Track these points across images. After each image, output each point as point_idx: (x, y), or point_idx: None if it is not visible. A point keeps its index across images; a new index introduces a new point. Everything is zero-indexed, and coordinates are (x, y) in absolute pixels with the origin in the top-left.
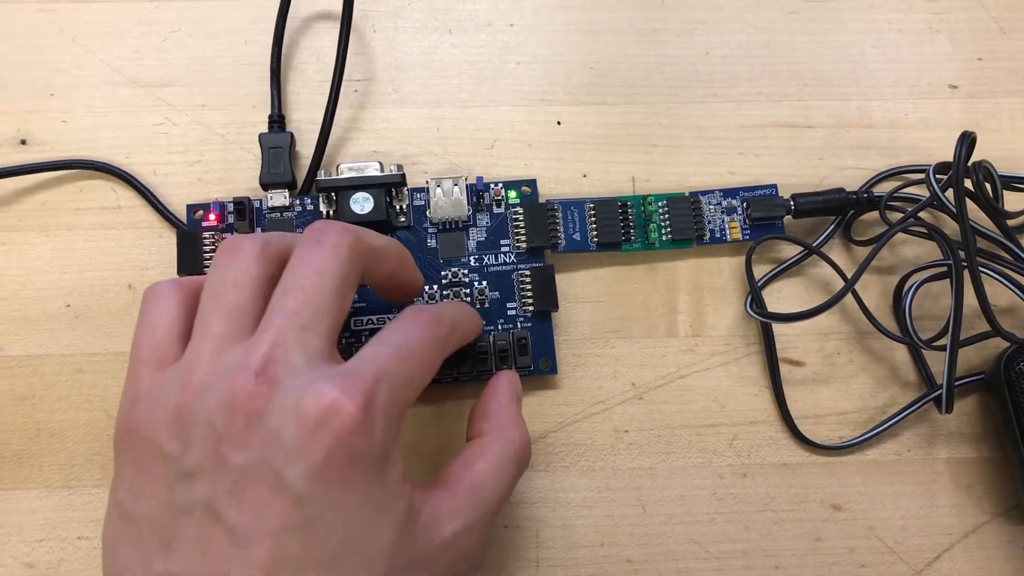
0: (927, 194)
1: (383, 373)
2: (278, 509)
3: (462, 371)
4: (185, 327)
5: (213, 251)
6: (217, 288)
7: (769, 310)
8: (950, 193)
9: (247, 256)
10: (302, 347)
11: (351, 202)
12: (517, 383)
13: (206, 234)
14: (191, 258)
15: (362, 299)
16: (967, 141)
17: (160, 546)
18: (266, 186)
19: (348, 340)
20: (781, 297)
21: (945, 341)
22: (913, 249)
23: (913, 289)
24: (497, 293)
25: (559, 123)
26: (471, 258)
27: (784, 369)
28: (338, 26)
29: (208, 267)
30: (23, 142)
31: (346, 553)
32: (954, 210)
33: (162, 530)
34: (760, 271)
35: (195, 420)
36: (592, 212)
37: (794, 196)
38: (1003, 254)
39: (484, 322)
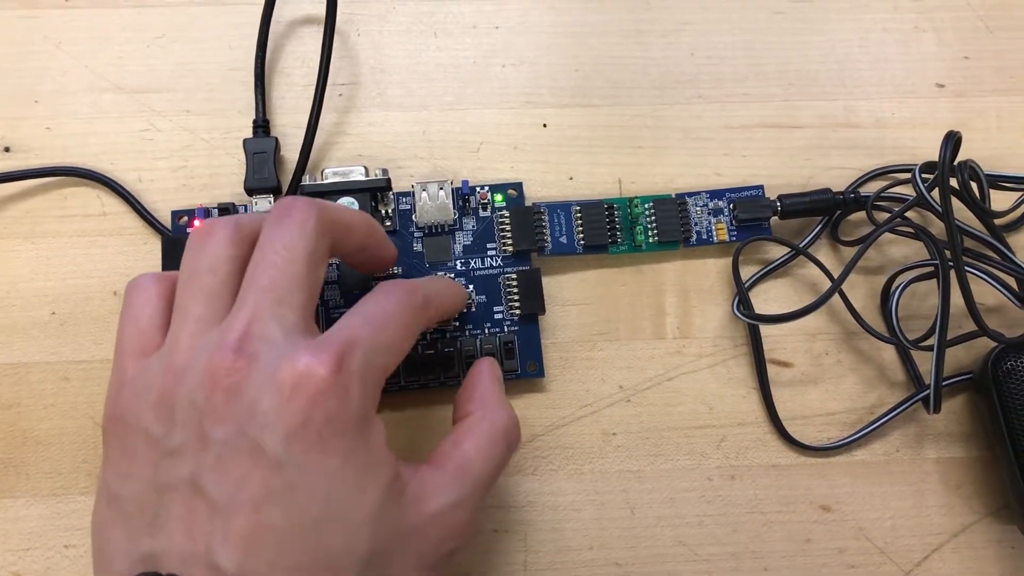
0: (914, 194)
1: (355, 338)
2: (258, 477)
3: (448, 376)
4: (166, 316)
5: None
6: (192, 274)
7: (756, 311)
8: (936, 193)
9: (219, 239)
10: (278, 321)
11: None
12: (498, 369)
13: None
14: (176, 264)
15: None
16: (952, 141)
17: (146, 525)
18: (251, 191)
19: None
20: (768, 298)
21: (932, 341)
22: (900, 249)
23: (900, 289)
24: (484, 297)
25: (545, 125)
26: (457, 262)
27: (772, 370)
28: (322, 30)
29: None
30: (7, 149)
31: (328, 520)
32: (940, 210)
33: (148, 510)
34: (747, 272)
35: (178, 401)
36: (578, 215)
37: (781, 197)
38: (990, 253)
39: (470, 295)
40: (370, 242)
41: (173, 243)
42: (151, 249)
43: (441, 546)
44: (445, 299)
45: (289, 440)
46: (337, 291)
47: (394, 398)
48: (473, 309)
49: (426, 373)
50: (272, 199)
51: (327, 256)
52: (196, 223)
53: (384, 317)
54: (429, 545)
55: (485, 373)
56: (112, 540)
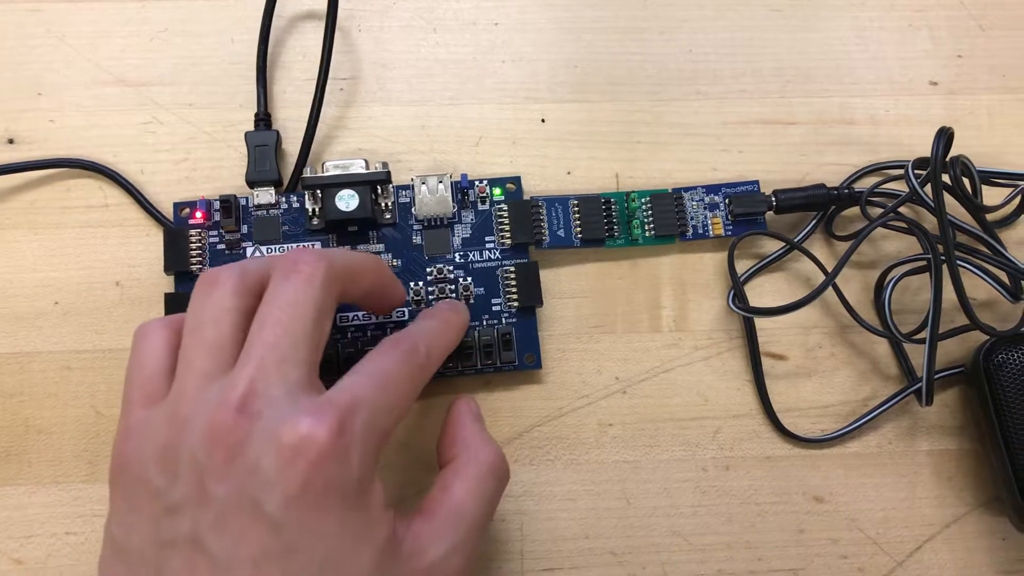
0: (907, 190)
1: (358, 401)
2: (257, 537)
3: (447, 367)
4: (172, 363)
5: (200, 248)
6: (196, 325)
7: (751, 305)
8: (929, 188)
9: (224, 290)
10: (281, 379)
11: (336, 199)
12: (476, 406)
13: (193, 232)
14: (178, 256)
15: None
16: (944, 136)
17: None
18: (252, 184)
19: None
20: (763, 292)
21: (925, 334)
22: (894, 244)
23: (893, 283)
24: (482, 289)
25: (543, 121)
26: (456, 255)
27: (767, 363)
28: (323, 25)
29: (193, 264)
30: (11, 141)
31: None
32: (932, 204)
33: (151, 563)
34: (742, 266)
35: (180, 455)
36: (576, 209)
37: (776, 192)
38: (982, 248)
39: (469, 318)
40: (377, 284)
41: (175, 234)
42: (153, 240)
43: None
44: (448, 342)
45: (288, 503)
46: None
47: None
48: (472, 301)
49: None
50: (273, 191)
51: (334, 307)
52: (198, 214)
53: (387, 377)
54: None
55: (464, 413)
56: None
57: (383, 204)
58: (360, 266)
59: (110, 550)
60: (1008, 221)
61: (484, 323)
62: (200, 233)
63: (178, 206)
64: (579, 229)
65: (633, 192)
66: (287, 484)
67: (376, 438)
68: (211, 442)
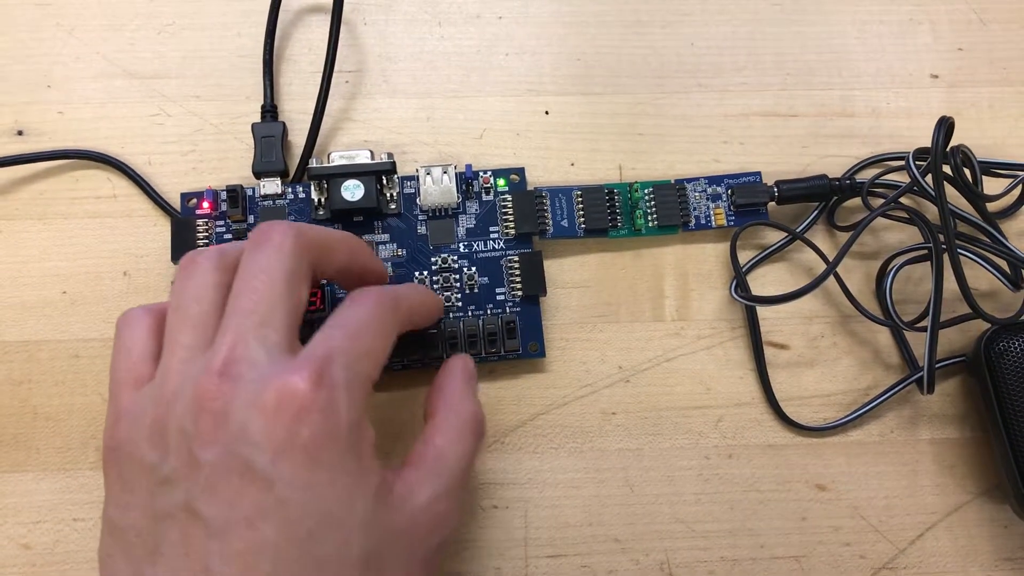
0: (908, 181)
1: (333, 351)
2: (250, 496)
3: (432, 356)
4: (157, 347)
5: (207, 238)
6: (179, 304)
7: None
8: (930, 178)
9: (203, 269)
10: (261, 342)
11: (342, 189)
12: (471, 364)
13: (200, 222)
14: (185, 245)
15: None
16: (945, 126)
17: (148, 554)
18: (259, 174)
19: None
20: (766, 282)
21: (926, 323)
22: (895, 235)
23: (894, 271)
24: (486, 279)
25: (547, 113)
26: (460, 244)
27: (769, 352)
28: (329, 19)
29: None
30: (20, 133)
31: (322, 531)
32: (933, 194)
33: (148, 539)
34: (745, 257)
35: (169, 428)
36: (579, 199)
37: (778, 183)
38: (982, 237)
39: (443, 302)
40: (355, 262)
41: (182, 224)
42: (161, 230)
43: (430, 538)
44: (416, 300)
45: (277, 458)
46: None
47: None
48: (476, 290)
49: (409, 354)
50: (279, 182)
51: (308, 276)
52: (205, 205)
53: (359, 324)
54: (419, 539)
55: (456, 370)
56: (117, 573)
57: (388, 194)
58: (332, 240)
59: (108, 534)
60: (1009, 212)
61: (488, 312)
62: (207, 223)
63: (185, 196)
64: (582, 219)
65: (636, 183)
66: (274, 439)
67: (358, 384)
68: (197, 410)
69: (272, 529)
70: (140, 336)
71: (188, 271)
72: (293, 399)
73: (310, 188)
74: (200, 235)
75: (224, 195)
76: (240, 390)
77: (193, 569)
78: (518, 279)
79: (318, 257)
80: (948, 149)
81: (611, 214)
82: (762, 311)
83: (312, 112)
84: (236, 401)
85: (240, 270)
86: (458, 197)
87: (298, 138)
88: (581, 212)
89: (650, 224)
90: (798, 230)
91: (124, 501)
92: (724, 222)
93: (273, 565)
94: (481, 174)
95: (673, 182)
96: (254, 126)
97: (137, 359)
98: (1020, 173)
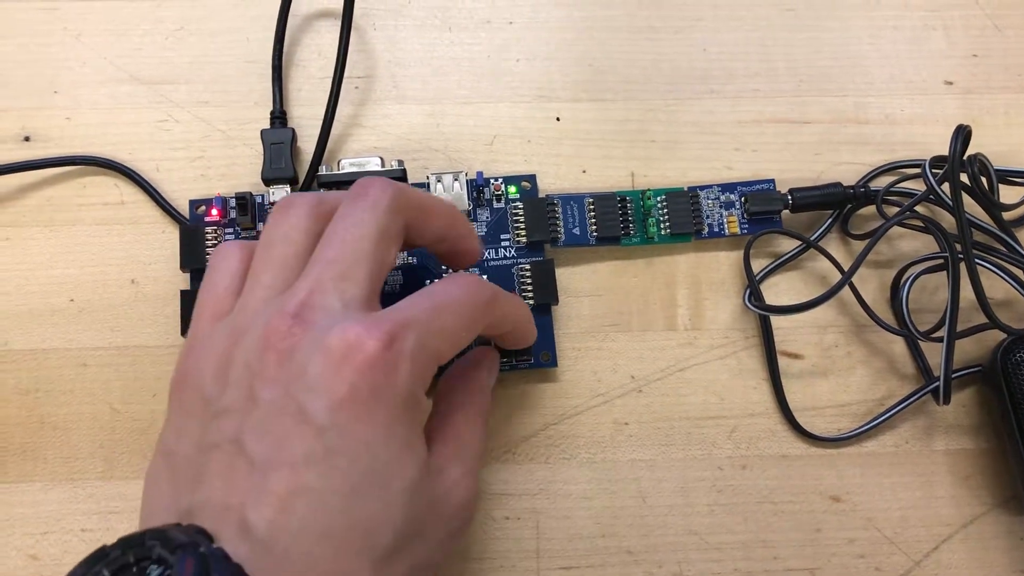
0: (923, 188)
1: (411, 319)
2: (299, 440)
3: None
4: (243, 283)
5: (215, 245)
6: (268, 243)
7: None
8: (946, 187)
9: (298, 212)
10: (339, 294)
11: None
12: (496, 363)
13: (208, 229)
14: (194, 253)
15: None
16: (962, 134)
17: (190, 481)
18: (268, 181)
19: None
20: (779, 291)
21: (942, 333)
22: (910, 243)
23: (910, 281)
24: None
25: (558, 119)
26: None
27: (783, 362)
28: (339, 24)
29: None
30: (27, 139)
31: (366, 487)
32: (950, 203)
33: (194, 467)
34: (758, 265)
35: (235, 362)
36: (591, 207)
37: (792, 191)
38: (999, 247)
39: (536, 336)
40: (451, 233)
41: (191, 231)
42: (168, 238)
43: (461, 515)
44: (513, 312)
45: (333, 408)
46: None
47: None
48: None
49: None
50: (289, 189)
51: (399, 237)
52: (214, 212)
53: (447, 301)
54: (451, 515)
55: (482, 362)
56: (160, 494)
57: None
58: (431, 205)
59: (160, 457)
60: None
61: None
62: (216, 230)
63: (194, 203)
64: (594, 227)
65: (649, 190)
66: (333, 388)
67: (427, 358)
68: (264, 347)
69: (315, 476)
70: (228, 270)
71: (283, 212)
72: (359, 352)
73: None
74: (209, 242)
75: (233, 202)
76: (309, 334)
77: (229, 501)
78: (530, 288)
79: (414, 219)
80: (965, 158)
81: (623, 222)
82: (776, 320)
83: (322, 118)
84: (303, 344)
85: (333, 220)
86: (469, 204)
87: (307, 144)
88: (593, 220)
89: (663, 232)
90: (812, 238)
91: (180, 426)
92: (737, 230)
93: (309, 513)
94: (492, 181)
95: (686, 189)
96: (263, 132)
97: (221, 293)
98: None
